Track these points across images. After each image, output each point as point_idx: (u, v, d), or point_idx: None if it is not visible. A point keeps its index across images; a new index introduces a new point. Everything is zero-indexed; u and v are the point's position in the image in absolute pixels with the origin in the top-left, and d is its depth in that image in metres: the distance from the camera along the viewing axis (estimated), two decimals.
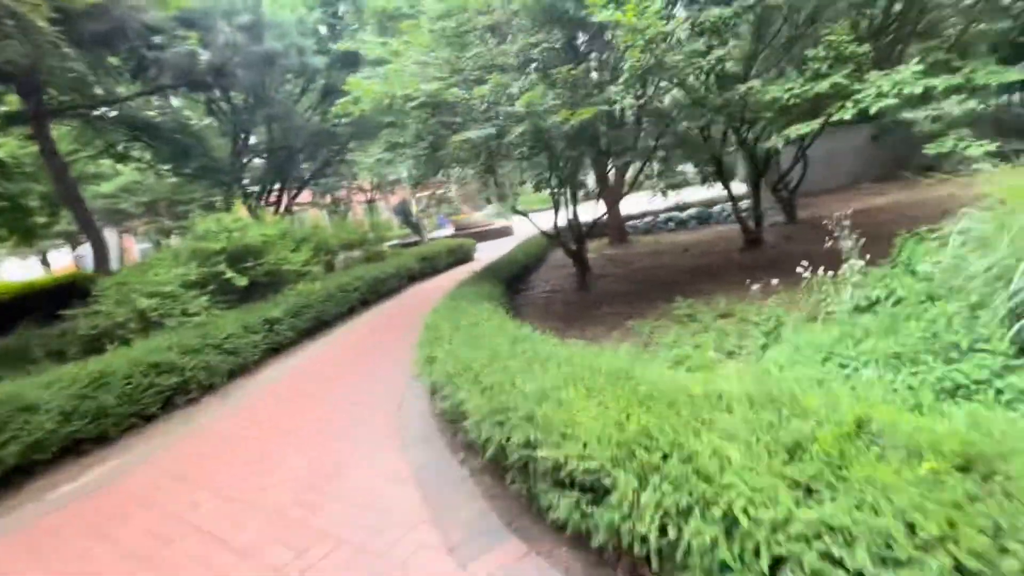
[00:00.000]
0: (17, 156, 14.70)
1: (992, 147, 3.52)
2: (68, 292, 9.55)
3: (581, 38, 4.99)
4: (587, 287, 6.79)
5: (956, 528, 1.24)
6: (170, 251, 7.37)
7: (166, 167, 17.45)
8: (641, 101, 3.77)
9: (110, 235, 26.31)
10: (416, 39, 4.68)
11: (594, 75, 4.17)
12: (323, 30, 13.10)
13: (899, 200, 9.27)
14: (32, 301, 13.52)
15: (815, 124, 3.91)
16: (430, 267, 13.09)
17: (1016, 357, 2.46)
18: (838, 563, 1.29)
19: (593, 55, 4.91)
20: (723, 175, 7.34)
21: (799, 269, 4.04)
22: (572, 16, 4.24)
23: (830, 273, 3.94)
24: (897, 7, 5.71)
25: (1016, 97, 12.06)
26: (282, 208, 17.68)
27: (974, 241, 2.95)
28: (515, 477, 2.50)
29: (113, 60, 11.84)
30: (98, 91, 10.86)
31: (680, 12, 4.62)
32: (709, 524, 1.52)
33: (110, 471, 4.29)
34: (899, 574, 1.23)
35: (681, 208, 13.59)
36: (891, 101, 3.54)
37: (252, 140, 17.34)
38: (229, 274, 6.97)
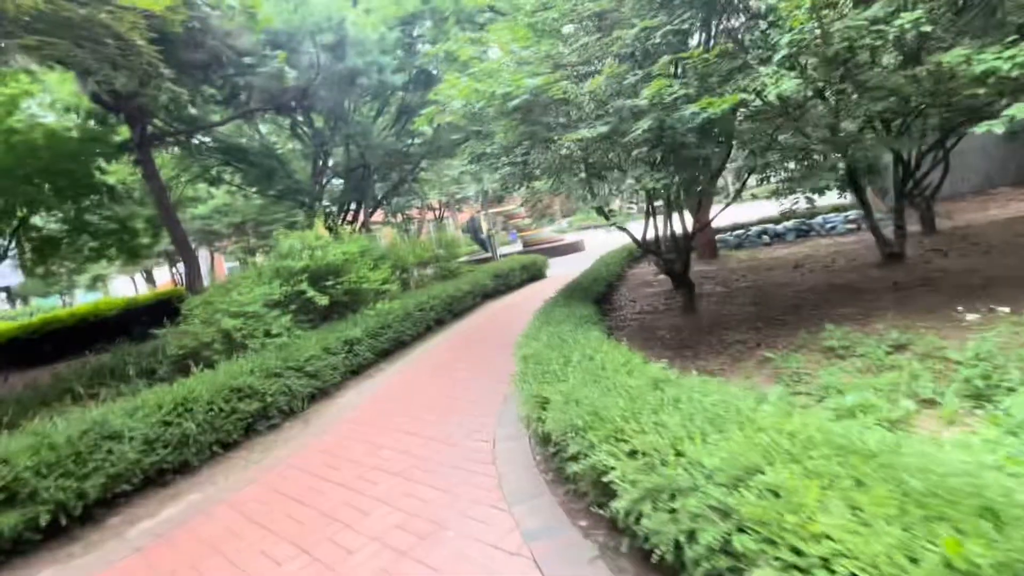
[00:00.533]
0: (127, 182, 15.82)
1: None
2: (166, 308, 9.86)
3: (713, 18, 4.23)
4: (694, 309, 5.94)
5: None
6: (254, 269, 7.27)
7: (253, 189, 18.26)
8: (801, 88, 3.01)
9: (204, 254, 28.08)
10: (514, 32, 4.17)
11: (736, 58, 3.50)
12: (399, 53, 13.12)
13: None
14: (134, 316, 14.34)
15: None
16: (504, 284, 12.60)
17: None
18: None
19: (724, 35, 4.20)
20: (856, 180, 6.28)
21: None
22: None
23: None
24: None
25: None
26: (358, 226, 17.97)
27: None
28: None
29: (208, 88, 12.41)
30: (193, 112, 11.31)
31: None
32: None
33: (188, 508, 3.95)
34: None
35: (777, 220, 12.35)
36: None
37: (331, 162, 17.79)
38: (311, 293, 6.74)
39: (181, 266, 26.54)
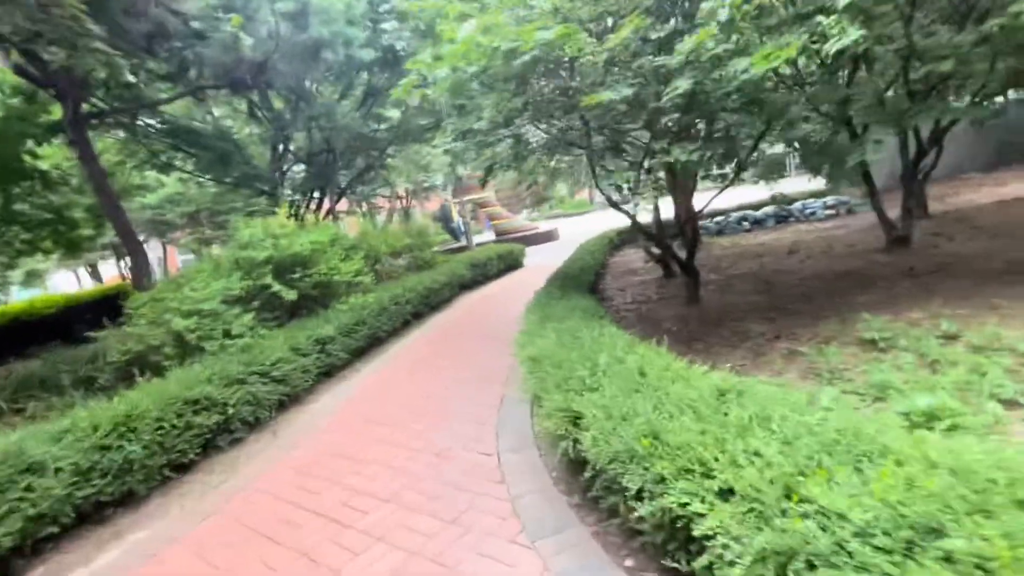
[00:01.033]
0: (62, 168, 14.32)
1: None
2: (112, 305, 8.80)
3: None
4: (698, 299, 5.52)
5: None
6: (210, 262, 6.43)
7: (207, 177, 16.95)
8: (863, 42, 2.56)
9: (155, 246, 26.22)
10: None
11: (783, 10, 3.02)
12: (367, 26, 12.19)
13: None
14: (76, 315, 12.98)
15: None
16: (480, 274, 12.00)
17: None
18: None
19: None
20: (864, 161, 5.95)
21: None
22: None
23: None
24: None
25: None
26: (324, 215, 16.96)
27: None
28: None
29: (153, 62, 11.20)
30: (140, 89, 10.16)
31: None
32: None
33: (132, 551, 3.24)
34: None
35: (756, 207, 12.20)
36: None
37: (292, 147, 16.67)
38: (276, 287, 5.98)
39: (131, 259, 24.70)
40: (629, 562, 2.29)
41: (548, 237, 19.53)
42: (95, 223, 16.34)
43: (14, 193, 12.23)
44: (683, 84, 2.65)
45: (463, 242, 19.47)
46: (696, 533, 1.57)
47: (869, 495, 1.36)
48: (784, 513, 1.43)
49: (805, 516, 1.40)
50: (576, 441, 2.46)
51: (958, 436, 2.15)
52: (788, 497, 1.48)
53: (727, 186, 6.08)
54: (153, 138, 14.90)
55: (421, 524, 2.92)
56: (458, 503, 3.07)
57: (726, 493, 1.61)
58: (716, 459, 1.71)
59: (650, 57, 2.84)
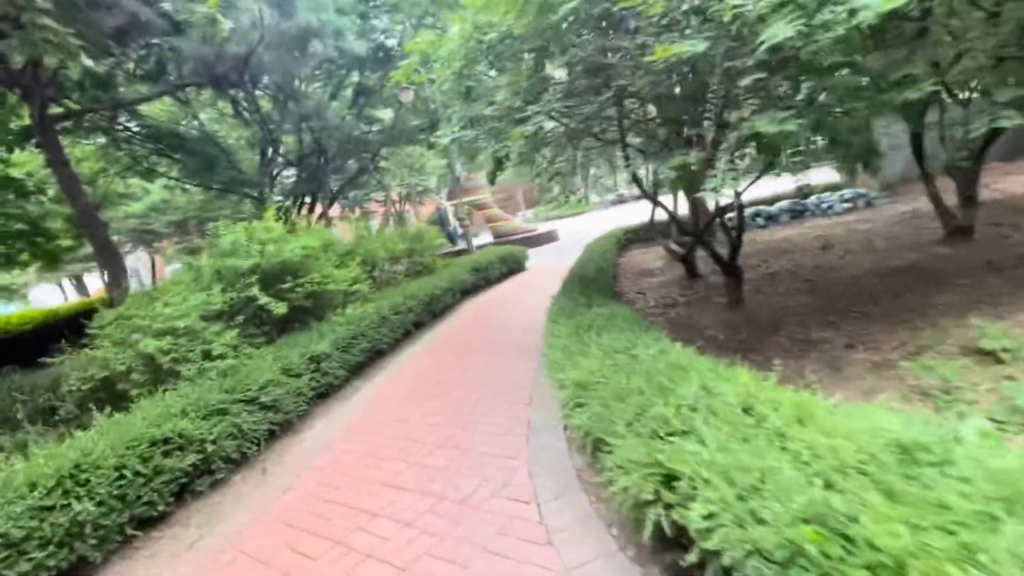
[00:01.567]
0: (37, 176, 13.49)
1: None
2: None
3: None
4: (741, 300, 4.87)
5: None
6: (188, 272, 5.70)
7: (193, 183, 16.15)
8: None
9: (141, 257, 25.29)
10: None
11: None
12: (357, 20, 11.50)
13: None
14: (53, 331, 12.14)
15: None
16: (483, 279, 11.30)
17: None
18: None
19: None
20: (920, 142, 5.35)
21: None
22: None
23: None
24: None
25: None
26: (315, 221, 16.21)
27: None
28: None
29: (131, 65, 10.45)
30: (110, 87, 9.39)
31: None
32: None
33: None
34: None
35: (771, 201, 11.61)
36: None
37: (281, 150, 15.93)
38: (263, 299, 5.25)
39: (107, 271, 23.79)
40: None
41: (548, 238, 18.89)
42: (75, 234, 15.49)
43: None
44: (782, 31, 2.01)
45: (460, 245, 18.78)
46: None
47: None
48: None
49: None
50: (668, 506, 1.78)
51: None
52: None
53: (760, 175, 5.44)
54: (135, 143, 14.11)
55: None
56: (497, 568, 2.38)
57: None
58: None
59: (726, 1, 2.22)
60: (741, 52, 2.39)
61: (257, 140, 16.15)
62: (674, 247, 7.15)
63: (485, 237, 20.78)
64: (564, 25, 2.78)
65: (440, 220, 19.93)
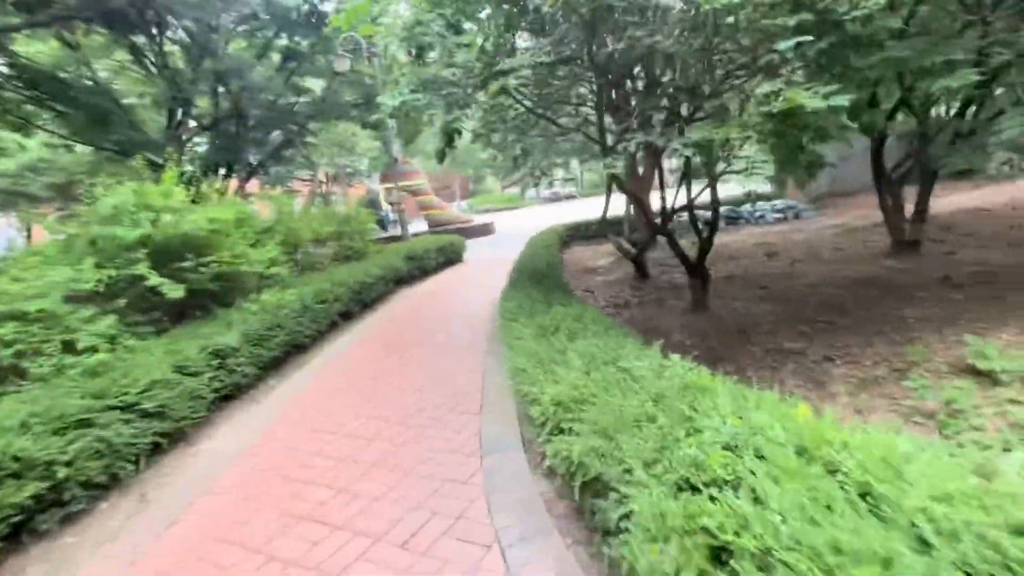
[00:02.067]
0: None
1: None
2: None
3: None
4: (706, 306, 4.58)
5: None
6: (53, 243, 4.52)
7: (79, 140, 13.87)
8: None
9: (12, 223, 21.71)
10: None
11: None
12: None
13: (982, 200, 7.70)
14: None
15: None
16: (418, 268, 10.53)
17: None
18: None
19: None
20: (880, 154, 5.34)
21: None
22: None
23: None
24: None
25: None
26: (230, 194, 14.51)
27: None
28: None
29: None
30: None
31: None
32: None
33: None
34: None
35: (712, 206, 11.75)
36: None
37: (194, 112, 14.05)
38: (153, 279, 4.23)
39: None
40: None
41: (484, 231, 18.33)
42: None
43: None
44: None
45: (392, 232, 17.73)
46: None
47: None
48: None
49: None
50: None
51: None
52: None
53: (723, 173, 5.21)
54: (6, 87, 11.80)
55: None
56: None
57: None
58: None
59: None
60: (781, 11, 1.98)
61: (165, 99, 14.16)
62: (626, 245, 6.84)
63: (419, 225, 19.80)
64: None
65: (371, 204, 18.72)
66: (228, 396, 4.53)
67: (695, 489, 1.47)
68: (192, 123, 14.71)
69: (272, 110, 14.14)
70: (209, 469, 3.48)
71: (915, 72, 2.38)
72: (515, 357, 3.03)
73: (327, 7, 12.99)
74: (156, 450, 3.63)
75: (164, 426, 3.63)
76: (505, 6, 3.12)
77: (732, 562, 1.26)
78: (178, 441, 3.85)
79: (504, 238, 17.12)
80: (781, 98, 1.92)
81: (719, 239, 9.76)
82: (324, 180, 30.55)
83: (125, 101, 14.42)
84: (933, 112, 4.93)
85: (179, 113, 13.47)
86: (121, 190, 4.49)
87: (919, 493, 1.22)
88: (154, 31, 8.44)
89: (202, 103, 14.53)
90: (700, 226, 5.10)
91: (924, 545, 1.12)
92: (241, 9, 8.54)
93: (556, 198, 33.93)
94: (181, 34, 10.66)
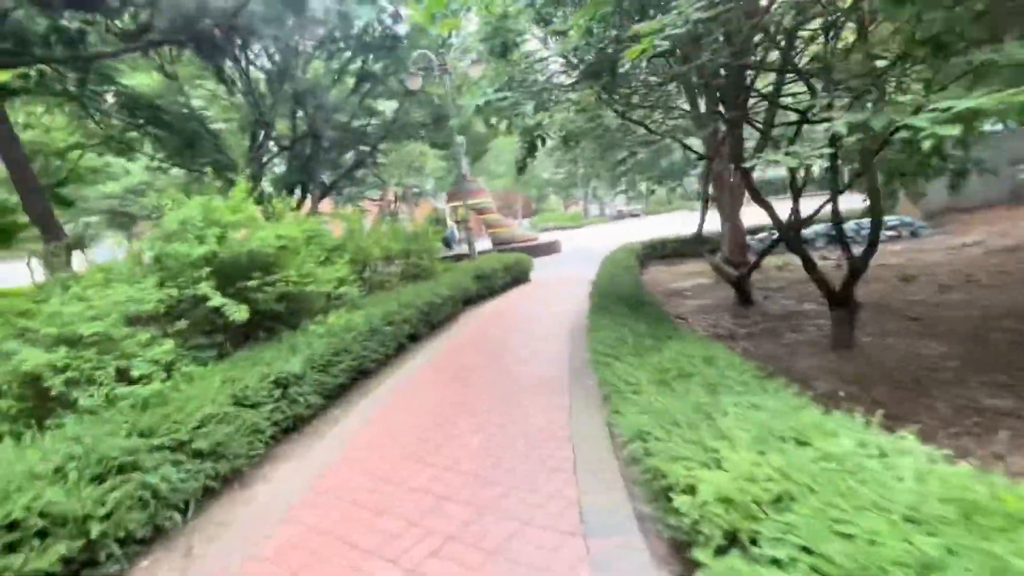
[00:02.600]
0: None
1: None
2: None
3: None
4: (850, 344, 3.64)
5: None
6: (129, 259, 4.32)
7: (172, 163, 14.69)
8: None
9: (115, 240, 23.54)
10: None
11: None
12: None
13: None
14: None
15: None
16: (486, 288, 10.03)
17: None
18: None
19: None
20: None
21: None
22: None
23: None
24: None
25: None
26: (303, 214, 14.81)
27: None
28: None
29: (104, 19, 9.05)
30: (74, 43, 7.99)
31: None
32: None
33: None
34: None
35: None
36: None
37: (274, 134, 14.55)
38: (217, 300, 3.89)
39: (93, 251, 21.98)
40: None
41: (550, 249, 17.70)
42: None
43: None
44: None
45: (458, 250, 17.50)
46: None
47: None
48: None
49: None
50: None
51: None
52: None
53: (840, 192, 4.33)
54: (109, 112, 12.67)
55: None
56: None
57: None
58: None
59: None
60: None
61: (248, 123, 14.77)
62: (726, 268, 5.95)
63: (483, 243, 19.51)
64: None
65: (436, 222, 18.64)
66: (289, 428, 4.10)
67: None
68: (272, 145, 15.23)
69: (345, 131, 14.35)
70: (263, 522, 2.98)
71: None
72: (630, 412, 2.31)
73: (400, 29, 13.08)
74: (208, 495, 3.20)
75: (219, 467, 3.20)
76: None
77: None
78: (234, 482, 3.41)
79: (570, 256, 16.42)
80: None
81: (826, 260, 8.59)
82: (393, 199, 31.32)
83: (213, 126, 15.22)
84: None
85: (260, 135, 13.96)
86: (189, 204, 4.24)
87: None
88: (238, 55, 8.58)
89: (281, 126, 15.04)
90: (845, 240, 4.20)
91: None
92: (317, 29, 8.52)
93: (621, 216, 32.89)
94: (264, 62, 10.94)
